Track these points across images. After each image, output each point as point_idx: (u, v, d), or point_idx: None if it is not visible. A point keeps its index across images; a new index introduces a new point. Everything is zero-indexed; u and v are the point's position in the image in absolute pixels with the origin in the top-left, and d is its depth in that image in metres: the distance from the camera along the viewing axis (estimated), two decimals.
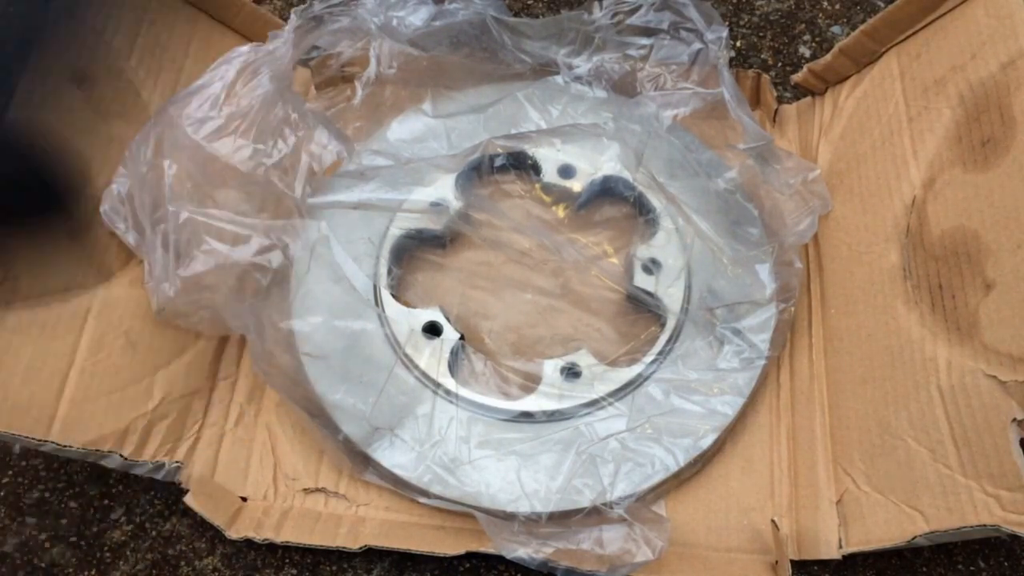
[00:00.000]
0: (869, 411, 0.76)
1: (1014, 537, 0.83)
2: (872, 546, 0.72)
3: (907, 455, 0.72)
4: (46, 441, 0.72)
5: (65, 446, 0.73)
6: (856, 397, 0.78)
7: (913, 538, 0.68)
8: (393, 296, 0.84)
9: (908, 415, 0.73)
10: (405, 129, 0.88)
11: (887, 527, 0.72)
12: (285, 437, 0.84)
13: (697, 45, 0.88)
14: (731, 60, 1.06)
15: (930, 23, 0.82)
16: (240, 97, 0.70)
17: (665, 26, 0.90)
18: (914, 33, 0.84)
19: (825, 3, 1.14)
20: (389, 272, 0.85)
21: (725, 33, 0.87)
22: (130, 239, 0.79)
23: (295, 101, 0.73)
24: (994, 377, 0.67)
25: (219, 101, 0.71)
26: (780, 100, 1.00)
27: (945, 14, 0.81)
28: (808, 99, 0.97)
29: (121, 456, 0.76)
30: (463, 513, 0.77)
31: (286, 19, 0.84)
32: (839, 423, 0.80)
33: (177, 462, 0.79)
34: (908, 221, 0.78)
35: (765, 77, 0.95)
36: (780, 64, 1.09)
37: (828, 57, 0.91)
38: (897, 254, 0.78)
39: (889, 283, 0.78)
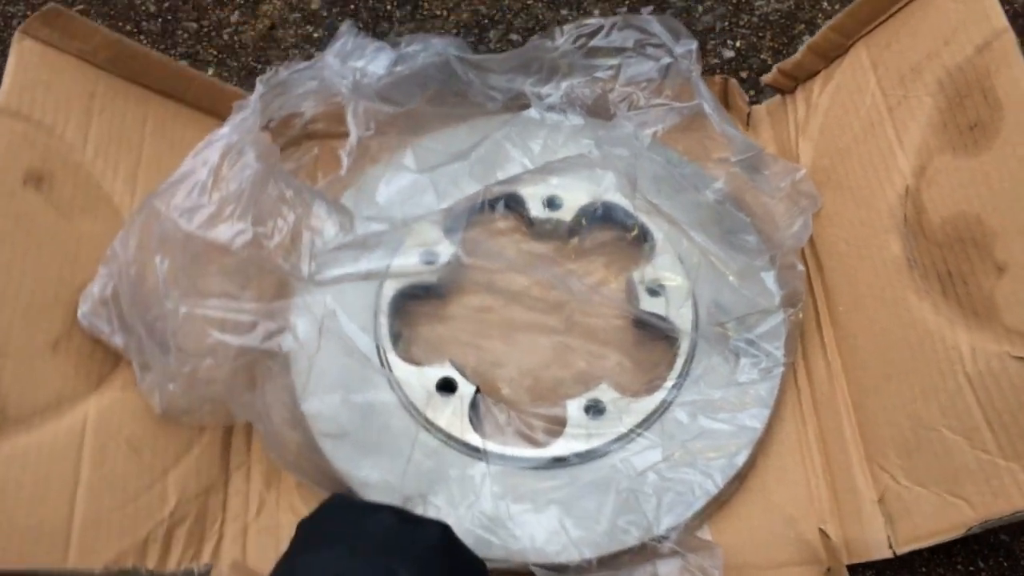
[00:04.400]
0: (897, 405, 0.76)
1: (1012, 536, 0.84)
2: (925, 542, 0.72)
3: (943, 445, 0.72)
4: (65, 570, 0.68)
5: (86, 571, 0.68)
6: (881, 393, 0.78)
7: (968, 529, 0.68)
8: (401, 357, 0.81)
9: (939, 405, 0.73)
10: (392, 189, 0.85)
11: (935, 520, 0.72)
12: None
13: (666, 59, 0.88)
14: (731, 60, 1.07)
15: (896, 12, 0.83)
16: (228, 180, 0.67)
17: (631, 44, 0.89)
18: (880, 24, 0.85)
19: (825, 3, 1.15)
20: (395, 334, 0.82)
21: (695, 46, 0.87)
22: (117, 341, 0.75)
23: (286, 178, 0.70)
24: (1022, 359, 0.68)
25: (207, 187, 0.67)
26: (754, 101, 1.00)
27: (911, 2, 0.82)
28: (778, 98, 0.97)
29: (146, 570, 0.72)
30: (512, 571, 0.75)
31: (242, 82, 0.80)
32: (867, 421, 0.80)
33: (206, 564, 0.76)
34: (904, 211, 0.79)
35: (732, 81, 0.95)
36: None
37: (797, 55, 0.91)
38: (898, 245, 0.79)
39: (895, 275, 0.79)
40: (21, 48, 0.80)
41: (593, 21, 0.89)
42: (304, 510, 0.80)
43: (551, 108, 0.91)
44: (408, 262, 0.82)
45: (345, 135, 0.87)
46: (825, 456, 0.82)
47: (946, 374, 0.73)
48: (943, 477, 0.72)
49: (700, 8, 1.16)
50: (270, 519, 0.80)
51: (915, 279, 0.77)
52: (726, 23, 1.15)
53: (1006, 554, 0.85)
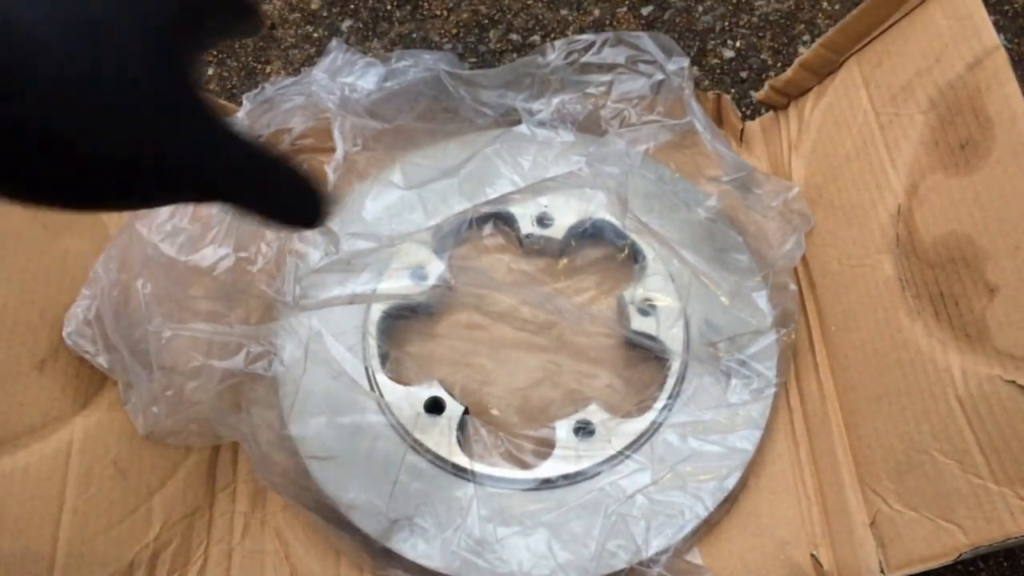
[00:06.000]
0: (889, 428, 0.76)
1: None
2: (917, 567, 0.71)
3: (935, 469, 0.71)
4: None
5: None
6: (873, 414, 0.78)
7: (959, 555, 0.68)
8: (389, 377, 0.81)
9: (930, 428, 0.72)
10: (379, 205, 0.85)
11: (927, 544, 0.71)
12: (297, 541, 0.80)
13: (659, 76, 0.87)
14: (731, 60, 1.06)
15: (887, 29, 0.82)
16: None
17: (622, 60, 0.88)
18: (872, 41, 0.84)
19: (825, 3, 1.15)
20: (383, 354, 0.81)
21: (686, 63, 0.86)
22: (102, 362, 0.74)
23: None
24: (1013, 382, 0.67)
25: (189, 209, 0.67)
26: (753, 105, 1.00)
27: (901, 19, 0.81)
28: (771, 114, 0.96)
29: None
30: None
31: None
32: (859, 443, 0.79)
33: None
34: (896, 230, 0.78)
35: (726, 98, 0.94)
36: (780, 64, 1.10)
37: (789, 72, 0.90)
38: (891, 265, 0.78)
39: (887, 295, 0.78)
40: None
41: (584, 37, 0.88)
42: (289, 533, 0.80)
43: (542, 124, 0.90)
44: (396, 283, 0.81)
45: (334, 150, 0.86)
46: (817, 478, 0.81)
47: (938, 396, 0.72)
48: (935, 501, 0.71)
49: (700, 8, 1.16)
50: (254, 543, 0.80)
51: (907, 300, 0.76)
52: (726, 23, 1.14)
53: (1006, 554, 0.84)
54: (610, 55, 0.88)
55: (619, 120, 0.88)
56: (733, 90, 1.10)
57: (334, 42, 0.86)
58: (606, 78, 0.89)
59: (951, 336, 0.72)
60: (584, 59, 0.89)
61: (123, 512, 0.74)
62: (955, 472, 0.70)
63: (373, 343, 0.81)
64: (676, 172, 0.91)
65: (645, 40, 0.86)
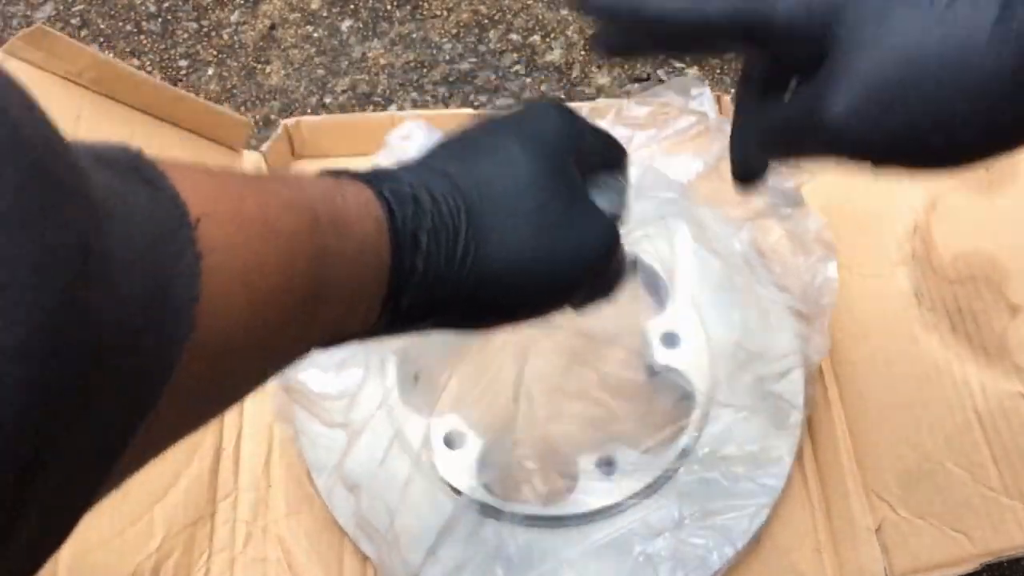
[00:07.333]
0: (900, 436, 0.76)
1: None
2: (922, 575, 0.71)
3: (946, 478, 0.72)
4: None
5: None
6: (884, 423, 0.78)
7: (967, 565, 0.68)
8: (409, 409, 0.77)
9: (945, 438, 0.73)
10: None
11: (933, 552, 0.71)
12: (299, 549, 0.77)
13: (682, 121, 0.85)
14: (731, 61, 1.06)
15: None
16: None
17: (641, 118, 0.87)
18: None
19: None
20: (402, 384, 0.78)
21: (707, 91, 0.85)
22: None
23: None
24: None
25: None
26: None
27: None
28: None
29: None
30: None
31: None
32: (866, 450, 0.79)
33: None
34: (912, 245, 0.78)
35: (726, 99, 0.92)
36: None
37: None
38: (906, 279, 0.78)
39: (901, 307, 0.78)
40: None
41: (601, 104, 0.87)
42: (292, 542, 0.77)
43: None
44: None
45: None
46: (821, 485, 0.81)
47: (955, 408, 0.72)
48: (944, 510, 0.72)
49: None
50: (256, 551, 0.77)
51: (923, 314, 0.76)
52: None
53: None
54: (628, 116, 0.87)
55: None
56: (734, 90, 1.10)
57: None
58: (627, 132, 0.87)
59: (968, 351, 0.73)
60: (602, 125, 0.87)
61: (125, 523, 0.71)
62: (967, 482, 0.71)
63: (393, 371, 0.78)
64: (706, 202, 0.88)
65: (661, 92, 0.85)
